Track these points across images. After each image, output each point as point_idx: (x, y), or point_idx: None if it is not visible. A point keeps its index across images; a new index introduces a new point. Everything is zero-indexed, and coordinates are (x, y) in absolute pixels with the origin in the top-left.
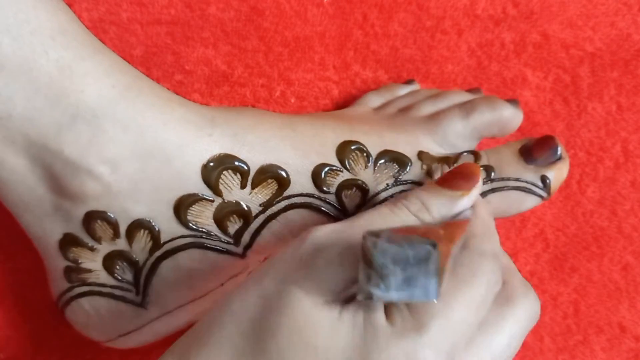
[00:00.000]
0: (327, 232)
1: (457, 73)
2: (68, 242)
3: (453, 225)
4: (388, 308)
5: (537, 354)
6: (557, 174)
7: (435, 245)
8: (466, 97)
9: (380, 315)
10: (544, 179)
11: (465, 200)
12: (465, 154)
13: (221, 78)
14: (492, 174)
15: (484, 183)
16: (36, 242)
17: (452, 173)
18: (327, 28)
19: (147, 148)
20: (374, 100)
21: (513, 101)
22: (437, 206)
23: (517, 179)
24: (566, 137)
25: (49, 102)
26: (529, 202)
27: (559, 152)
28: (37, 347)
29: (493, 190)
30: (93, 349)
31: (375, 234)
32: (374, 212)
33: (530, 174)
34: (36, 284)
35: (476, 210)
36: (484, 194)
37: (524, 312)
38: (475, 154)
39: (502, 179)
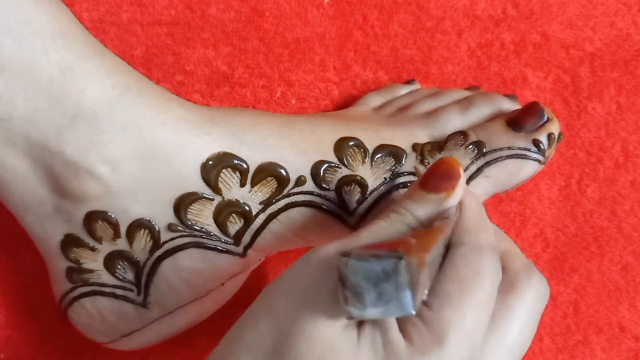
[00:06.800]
0: (331, 251)
1: (457, 73)
2: (69, 242)
3: (425, 233)
4: (402, 325)
5: (537, 354)
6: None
7: (401, 257)
8: (465, 94)
9: (396, 334)
10: (536, 142)
11: (451, 200)
12: (454, 134)
13: (222, 79)
14: (484, 148)
15: (476, 158)
16: (38, 243)
17: (431, 173)
18: (327, 29)
19: (146, 148)
20: (374, 100)
21: (511, 96)
22: (424, 212)
23: (509, 148)
24: (566, 137)
25: (49, 103)
26: (528, 168)
27: (545, 116)
28: (38, 348)
29: (488, 163)
30: (93, 349)
31: (347, 254)
32: (373, 226)
33: (521, 141)
34: (37, 284)
35: (465, 203)
36: (479, 169)
37: (531, 296)
38: (464, 133)
39: (495, 151)
